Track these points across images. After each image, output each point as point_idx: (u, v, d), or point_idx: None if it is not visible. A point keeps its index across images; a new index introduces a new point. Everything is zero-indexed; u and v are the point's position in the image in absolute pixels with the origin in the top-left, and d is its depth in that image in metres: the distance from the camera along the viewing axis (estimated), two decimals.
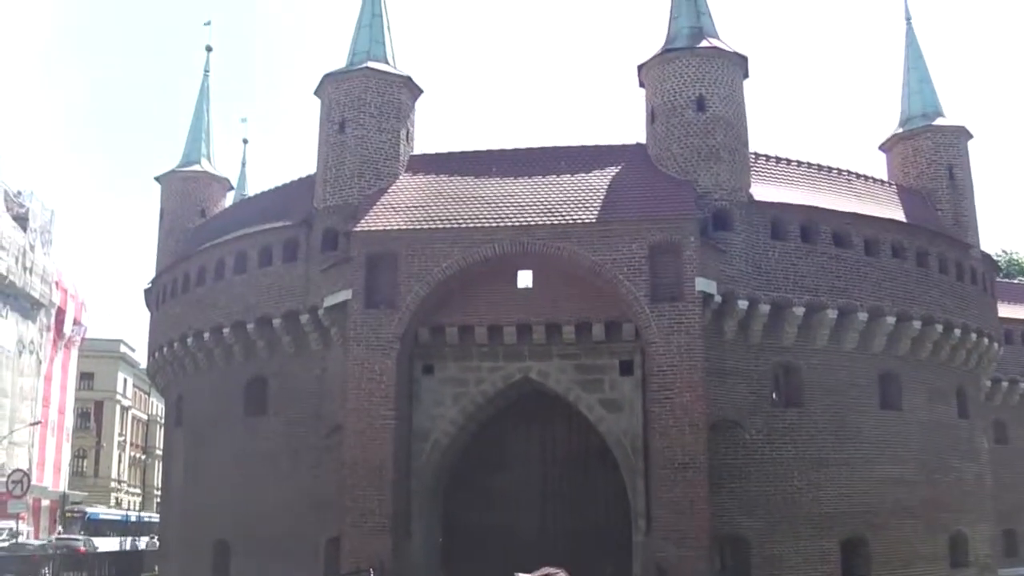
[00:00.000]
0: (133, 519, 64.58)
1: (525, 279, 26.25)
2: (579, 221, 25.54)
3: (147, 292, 37.43)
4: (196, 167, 37.23)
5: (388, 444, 24.91)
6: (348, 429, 25.41)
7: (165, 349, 33.40)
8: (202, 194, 36.85)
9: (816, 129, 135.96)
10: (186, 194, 36.68)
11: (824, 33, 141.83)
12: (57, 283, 61.98)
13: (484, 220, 26.03)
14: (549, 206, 26.15)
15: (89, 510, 56.39)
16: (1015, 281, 54.12)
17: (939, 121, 32.95)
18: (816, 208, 27.67)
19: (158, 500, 69.53)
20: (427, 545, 25.84)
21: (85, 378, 77.18)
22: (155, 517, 69.44)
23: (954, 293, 30.06)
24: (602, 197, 26.31)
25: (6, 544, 42.17)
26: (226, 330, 29.78)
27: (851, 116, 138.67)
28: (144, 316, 37.46)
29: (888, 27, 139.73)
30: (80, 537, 51.71)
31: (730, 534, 25.24)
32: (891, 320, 27.72)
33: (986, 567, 30.60)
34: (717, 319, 25.81)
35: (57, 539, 49.00)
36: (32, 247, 56.88)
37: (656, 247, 24.94)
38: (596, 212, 25.79)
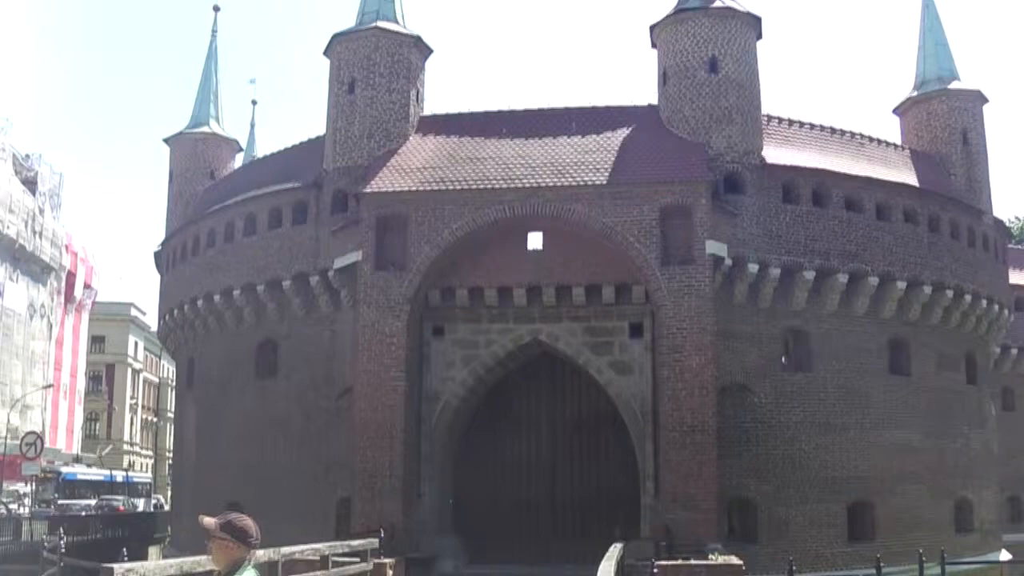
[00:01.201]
0: (119, 480, 59.46)
1: (535, 241, 26.20)
2: (590, 183, 25.43)
3: (157, 255, 37.51)
4: (205, 129, 37.16)
5: (398, 406, 24.97)
6: (358, 391, 25.47)
7: (176, 312, 33.50)
8: (211, 156, 36.81)
9: (830, 92, 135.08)
10: (195, 156, 36.65)
11: None
12: (67, 247, 62.08)
13: (494, 182, 25.93)
14: (560, 168, 26.04)
15: (65, 470, 51.26)
16: None
17: (954, 85, 32.69)
18: (828, 172, 27.52)
19: (170, 462, 69.83)
20: (437, 507, 25.96)
21: (96, 341, 77.40)
22: (146, 477, 68.87)
23: (965, 259, 29.95)
24: (613, 159, 26.18)
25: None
26: (236, 292, 29.83)
27: (865, 79, 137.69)
28: (154, 279, 37.56)
29: None
30: (120, 498, 52.26)
31: (738, 497, 25.32)
32: (902, 285, 27.64)
33: (990, 533, 30.72)
34: (727, 283, 25.74)
35: (100, 500, 49.44)
36: (41, 211, 56.93)
37: (667, 210, 24.83)
38: (607, 174, 25.66)
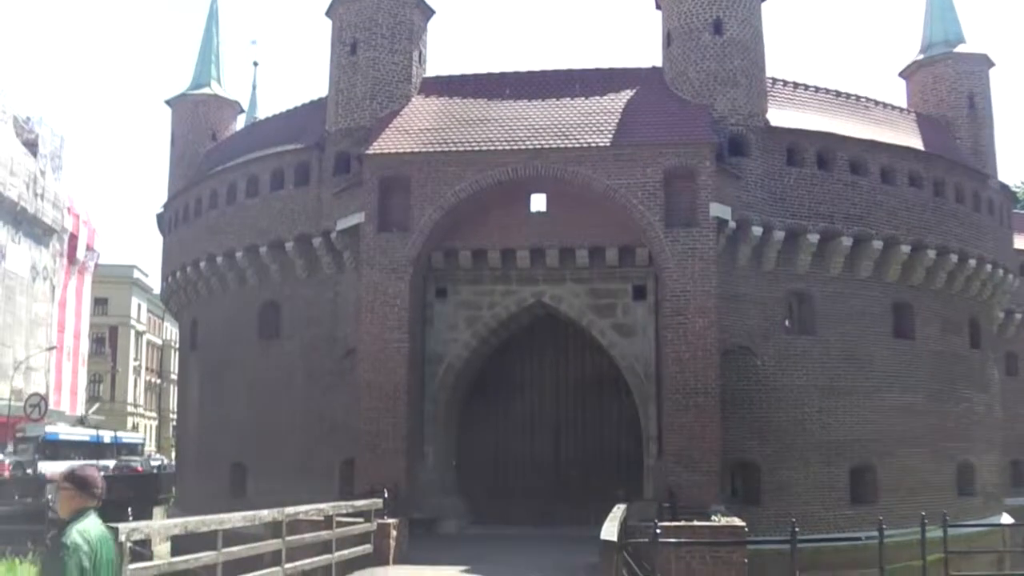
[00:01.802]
0: (107, 440, 56.05)
1: (539, 203, 26.08)
2: (593, 145, 25.26)
3: (159, 217, 37.42)
4: (206, 90, 36.94)
5: (401, 367, 24.94)
6: (362, 352, 25.46)
7: (178, 274, 33.48)
8: (213, 117, 36.63)
9: (835, 55, 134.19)
10: (197, 118, 36.46)
11: None
12: (69, 209, 62.01)
13: (497, 143, 25.77)
14: (563, 130, 25.88)
15: (49, 429, 47.84)
16: None
17: (961, 48, 32.41)
18: (833, 135, 27.34)
19: (174, 424, 69.95)
20: (441, 468, 26.03)
21: (99, 304, 77.56)
22: (138, 437, 67.69)
23: (970, 223, 29.82)
24: (617, 121, 25.99)
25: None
26: (239, 254, 29.78)
27: (871, 42, 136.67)
28: (157, 241, 37.52)
29: None
30: (137, 458, 52.50)
31: (740, 459, 25.37)
32: (906, 249, 27.56)
33: (992, 496, 30.81)
34: (731, 245, 25.67)
35: (119, 460, 49.74)
36: (43, 173, 56.82)
37: (671, 172, 24.68)
38: (611, 136, 25.49)
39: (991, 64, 32.47)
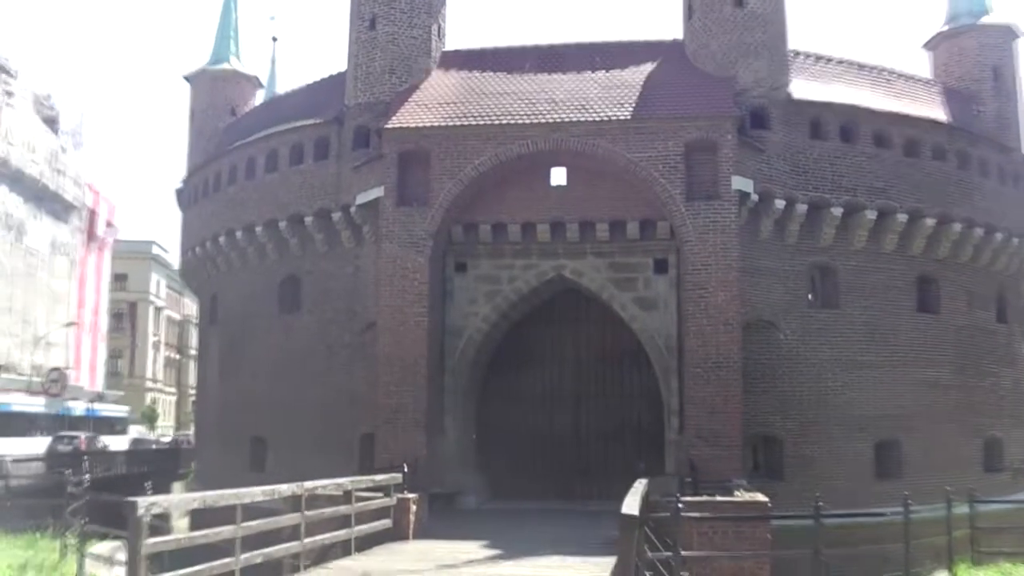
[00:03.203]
0: (79, 413, 50.31)
1: (559, 176, 25.89)
2: (614, 118, 25.00)
3: (179, 192, 37.39)
4: (225, 66, 36.85)
5: (421, 341, 24.87)
6: (381, 326, 25.39)
7: (198, 249, 33.44)
8: (232, 93, 36.53)
9: (859, 27, 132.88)
10: (216, 93, 36.38)
11: None
12: (89, 185, 62.13)
13: (517, 117, 25.55)
14: (584, 103, 25.63)
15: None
16: None
17: (985, 20, 31.87)
18: (856, 107, 26.98)
19: (192, 399, 70.17)
20: (460, 442, 25.95)
21: (118, 279, 77.86)
22: (122, 411, 63.10)
23: (995, 197, 29.40)
24: (638, 94, 25.72)
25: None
26: (258, 228, 29.71)
27: (895, 14, 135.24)
28: (176, 216, 37.54)
29: None
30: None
31: (763, 434, 25.23)
32: (931, 222, 27.23)
33: (1020, 472, 30.47)
34: (754, 218, 25.42)
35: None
36: (64, 149, 56.91)
37: (692, 145, 24.42)
38: (631, 109, 25.22)
39: (1016, 35, 31.92)
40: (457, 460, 25.68)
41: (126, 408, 65.77)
